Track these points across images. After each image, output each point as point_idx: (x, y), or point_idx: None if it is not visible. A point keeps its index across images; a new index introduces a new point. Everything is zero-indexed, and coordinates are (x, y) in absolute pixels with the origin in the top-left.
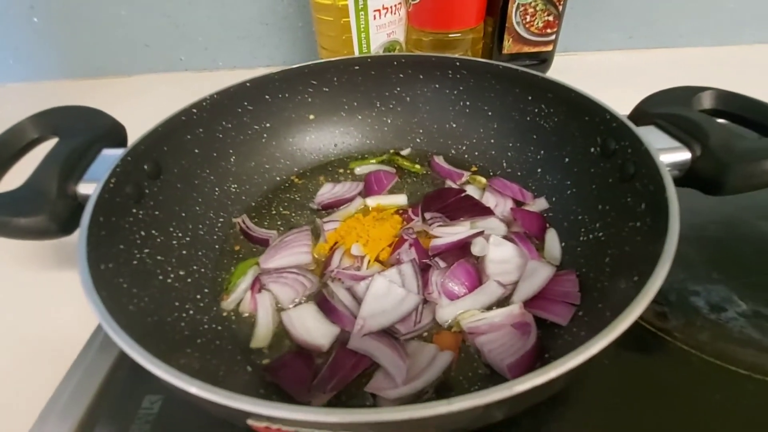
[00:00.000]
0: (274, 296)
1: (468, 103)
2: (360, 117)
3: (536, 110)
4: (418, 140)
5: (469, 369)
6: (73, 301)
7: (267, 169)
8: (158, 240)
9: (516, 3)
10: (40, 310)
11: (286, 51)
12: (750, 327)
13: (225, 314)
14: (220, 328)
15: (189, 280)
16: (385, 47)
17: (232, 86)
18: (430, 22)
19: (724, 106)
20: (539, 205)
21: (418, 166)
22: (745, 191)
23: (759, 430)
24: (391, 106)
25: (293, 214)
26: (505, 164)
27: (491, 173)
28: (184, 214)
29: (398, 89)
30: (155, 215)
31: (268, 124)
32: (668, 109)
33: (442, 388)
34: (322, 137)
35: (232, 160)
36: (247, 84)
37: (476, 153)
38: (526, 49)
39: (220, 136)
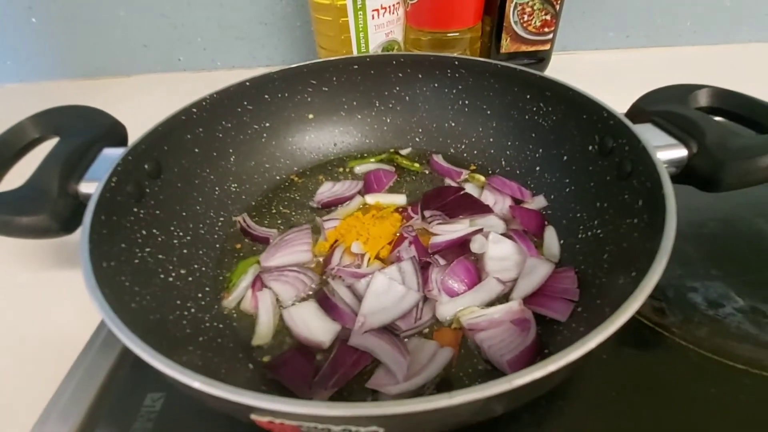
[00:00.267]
0: (274, 294)
1: (467, 102)
2: (359, 116)
3: (534, 109)
4: (417, 139)
5: (470, 365)
6: (73, 301)
7: (267, 168)
8: (159, 239)
9: (514, 2)
10: (41, 310)
11: (284, 51)
12: (747, 323)
13: (226, 312)
14: (221, 326)
15: (190, 278)
16: (384, 47)
17: (232, 86)
18: (428, 22)
19: (720, 103)
20: (538, 202)
21: (417, 165)
22: (740, 188)
23: (756, 423)
24: (390, 105)
25: (293, 213)
26: (503, 162)
27: (490, 171)
28: (184, 213)
29: (397, 88)
30: (156, 214)
31: (267, 124)
32: (665, 106)
33: (443, 385)
34: (321, 136)
35: (232, 159)
36: (247, 83)
37: (475, 151)
38: (524, 48)
39: (220, 135)
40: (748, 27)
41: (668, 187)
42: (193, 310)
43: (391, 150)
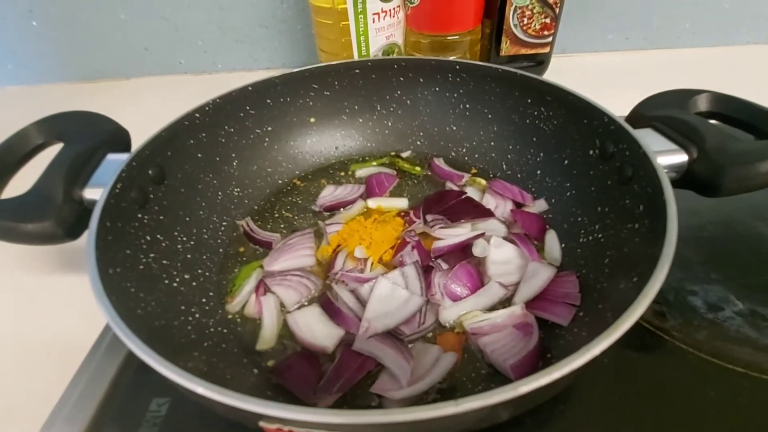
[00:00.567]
0: (278, 299)
1: (468, 106)
2: (361, 120)
3: (535, 113)
4: (418, 143)
5: (473, 369)
6: (77, 306)
7: (269, 172)
8: (163, 244)
9: (513, 5)
10: (46, 315)
11: (285, 54)
12: (747, 326)
13: (230, 317)
14: (225, 330)
15: (194, 283)
16: (384, 50)
17: (234, 90)
18: (428, 25)
19: (720, 108)
20: (539, 206)
21: (418, 168)
22: (740, 193)
23: (755, 426)
24: (391, 109)
25: (296, 217)
26: (504, 166)
27: (491, 175)
28: (188, 219)
29: (399, 92)
30: (160, 220)
31: (269, 128)
32: (665, 111)
33: (446, 389)
34: (323, 140)
35: (234, 164)
36: (249, 88)
37: (476, 155)
38: (524, 50)
39: (223, 140)
40: (748, 29)
41: (669, 193)
42: (197, 316)
43: (393, 153)
